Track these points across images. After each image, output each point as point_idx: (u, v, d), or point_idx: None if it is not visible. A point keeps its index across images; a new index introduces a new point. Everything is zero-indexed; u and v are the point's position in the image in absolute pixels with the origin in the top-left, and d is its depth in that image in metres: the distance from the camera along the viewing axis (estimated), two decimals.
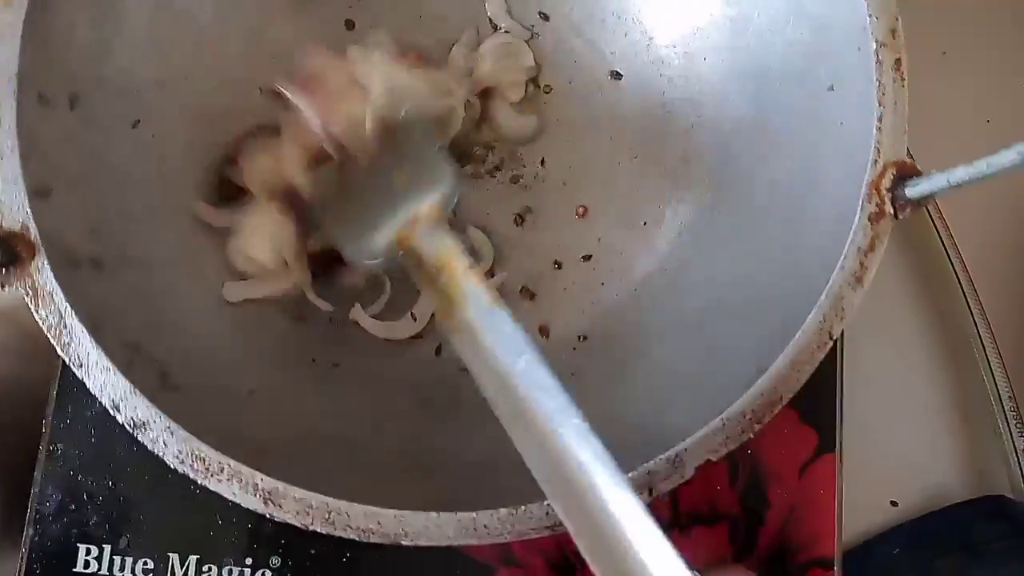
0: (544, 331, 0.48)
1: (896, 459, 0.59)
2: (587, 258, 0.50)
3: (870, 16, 0.38)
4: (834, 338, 0.37)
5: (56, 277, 0.36)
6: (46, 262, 0.36)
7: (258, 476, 0.35)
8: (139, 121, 0.44)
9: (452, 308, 0.38)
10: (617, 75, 0.51)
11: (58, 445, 0.46)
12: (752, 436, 0.36)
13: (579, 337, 0.47)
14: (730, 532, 0.48)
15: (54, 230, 0.38)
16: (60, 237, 0.38)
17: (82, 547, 0.46)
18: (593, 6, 0.51)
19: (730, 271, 0.44)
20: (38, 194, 0.37)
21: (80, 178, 0.40)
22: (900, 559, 0.56)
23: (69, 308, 0.36)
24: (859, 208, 0.37)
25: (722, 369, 0.39)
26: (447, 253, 0.39)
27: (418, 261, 0.40)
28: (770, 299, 0.41)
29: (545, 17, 0.52)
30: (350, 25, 0.51)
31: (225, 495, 0.35)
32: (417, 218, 0.41)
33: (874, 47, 0.38)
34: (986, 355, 0.57)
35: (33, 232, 0.37)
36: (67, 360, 0.36)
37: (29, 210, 0.37)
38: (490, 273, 0.49)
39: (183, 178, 0.45)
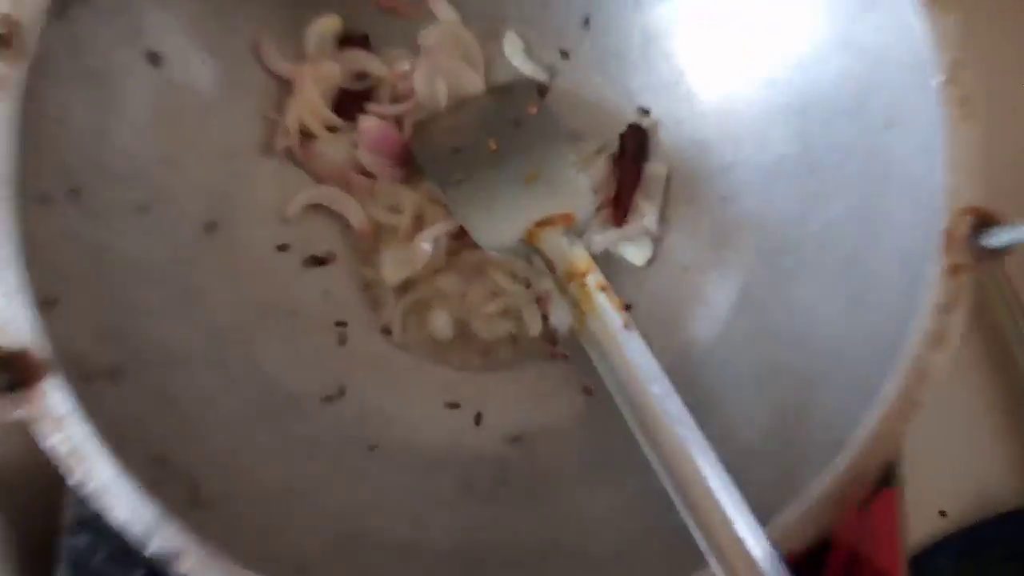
0: (588, 391, 0.43)
1: (943, 468, 0.55)
2: (627, 308, 0.46)
3: (932, 50, 0.34)
4: (920, 406, 0.33)
5: (70, 397, 0.32)
6: (57, 382, 0.32)
7: None
8: (146, 205, 0.39)
9: (584, 319, 0.38)
10: (645, 112, 0.46)
11: (78, 534, 0.42)
12: (840, 522, 0.32)
13: None
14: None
15: (63, 343, 0.33)
16: (71, 350, 0.33)
17: None
18: (617, 41, 0.46)
19: (786, 325, 0.39)
20: (44, 304, 0.33)
21: (88, 279, 0.36)
22: (953, 571, 0.53)
23: (87, 432, 0.32)
24: (933, 260, 0.33)
25: (794, 439, 0.35)
26: (580, 264, 0.40)
27: (549, 264, 0.41)
28: (838, 358, 0.36)
29: (565, 55, 0.47)
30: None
31: None
32: (550, 221, 0.41)
33: (937, 83, 0.34)
34: None
35: (40, 349, 0.32)
36: (85, 492, 0.31)
37: (35, 325, 0.32)
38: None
39: (199, 260, 0.41)
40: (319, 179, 0.46)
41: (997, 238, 0.33)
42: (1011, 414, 0.55)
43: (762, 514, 0.33)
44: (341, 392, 0.42)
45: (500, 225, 0.42)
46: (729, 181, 0.44)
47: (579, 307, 0.38)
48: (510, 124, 0.45)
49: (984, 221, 0.33)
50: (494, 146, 0.44)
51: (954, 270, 0.33)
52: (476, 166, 0.44)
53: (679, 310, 0.44)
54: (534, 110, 0.45)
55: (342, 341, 0.44)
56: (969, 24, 0.34)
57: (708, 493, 0.33)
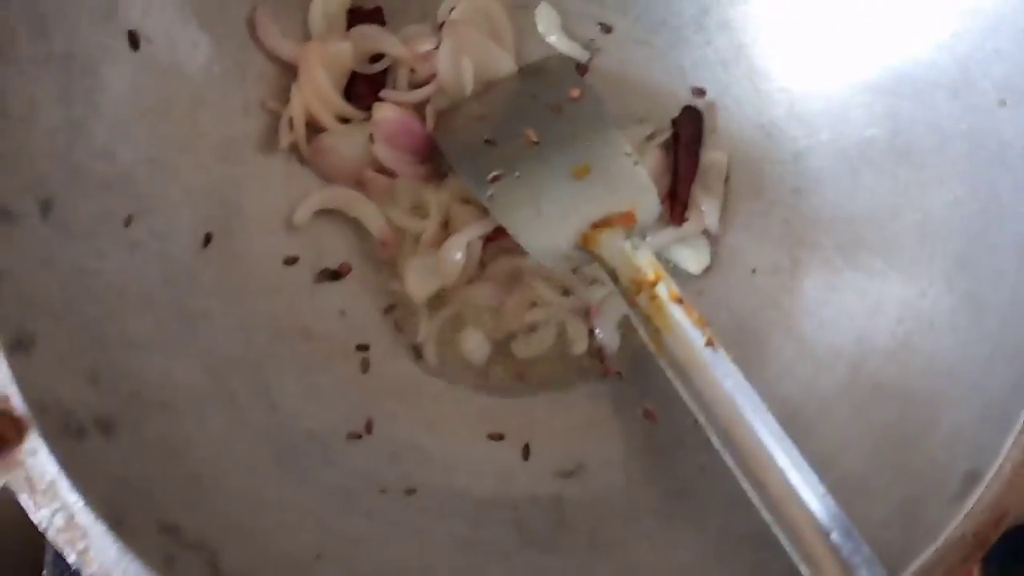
0: (650, 415, 0.39)
1: None
2: None
3: None
4: None
5: (57, 458, 0.27)
6: (41, 441, 0.27)
7: None
8: (131, 217, 0.34)
9: (660, 338, 0.34)
10: (700, 92, 0.42)
11: None
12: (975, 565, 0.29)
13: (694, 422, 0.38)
14: None
15: (44, 392, 0.28)
16: (54, 399, 0.28)
17: None
18: (665, 11, 0.41)
19: (882, 335, 0.35)
20: (17, 347, 0.28)
21: (68, 311, 0.30)
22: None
23: (79, 500, 0.27)
24: None
25: (911, 470, 0.31)
26: (648, 272, 0.35)
27: (611, 273, 0.36)
28: (952, 376, 0.32)
29: (607, 29, 0.43)
30: None
31: None
32: (608, 221, 0.37)
33: None
34: None
35: (17, 403, 0.27)
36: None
37: (9, 373, 0.27)
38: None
39: (197, 280, 0.36)
40: (330, 179, 0.41)
41: None
42: None
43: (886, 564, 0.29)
44: (368, 427, 0.37)
45: (551, 228, 0.37)
46: (802, 170, 0.39)
47: (653, 323, 0.34)
48: (549, 110, 0.40)
49: None
50: (534, 137, 0.39)
51: None
52: (515, 160, 0.38)
53: (748, 322, 0.40)
54: (576, 93, 0.40)
55: (365, 368, 0.39)
56: None
57: (823, 540, 0.29)
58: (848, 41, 0.37)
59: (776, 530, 0.30)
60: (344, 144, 0.40)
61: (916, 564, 0.29)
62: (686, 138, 0.41)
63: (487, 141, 0.39)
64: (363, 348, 0.40)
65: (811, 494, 0.30)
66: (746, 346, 0.39)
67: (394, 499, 0.36)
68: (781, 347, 0.39)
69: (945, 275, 0.34)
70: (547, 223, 0.37)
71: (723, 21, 0.40)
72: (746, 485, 0.31)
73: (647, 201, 0.37)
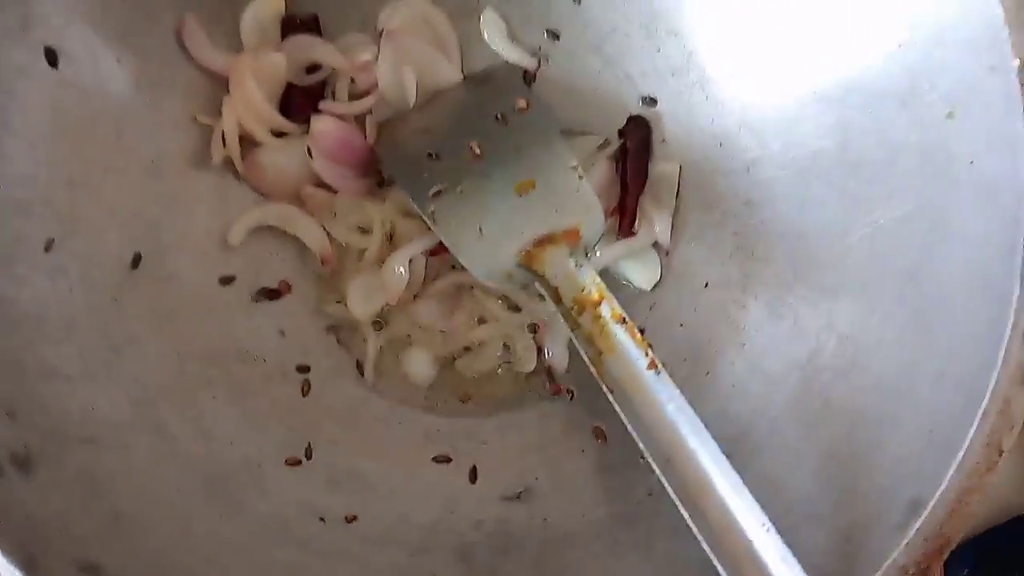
0: (600, 435, 0.39)
1: None
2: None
3: (1006, 27, 0.30)
4: (1003, 454, 0.29)
5: None
6: None
7: None
8: (53, 240, 0.33)
9: (602, 360, 0.34)
10: (651, 101, 0.42)
11: None
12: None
13: None
14: None
15: None
16: None
17: None
18: (614, 18, 0.41)
19: (832, 353, 0.35)
20: None
21: None
22: None
23: None
24: (1017, 279, 0.30)
25: (858, 496, 0.31)
26: (591, 291, 0.35)
27: (553, 292, 0.35)
28: (900, 395, 0.32)
29: (555, 36, 0.42)
30: None
31: None
32: (552, 238, 0.36)
33: (1015, 67, 0.30)
34: None
35: None
36: None
37: None
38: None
39: (124, 304, 0.35)
40: (267, 195, 0.40)
41: None
42: None
43: None
44: (308, 453, 0.37)
45: (493, 247, 0.37)
46: (754, 182, 0.39)
47: (595, 344, 0.34)
48: (494, 121, 0.39)
49: None
50: (478, 150, 0.38)
51: None
52: (459, 174, 0.38)
53: (700, 335, 0.40)
54: (523, 103, 0.40)
55: (305, 390, 0.39)
56: None
57: (763, 571, 0.29)
58: (798, 49, 0.37)
59: (715, 559, 0.30)
60: (281, 159, 0.40)
61: None
62: (633, 148, 0.41)
63: (430, 155, 0.39)
64: (303, 369, 0.39)
65: (752, 523, 0.30)
66: (698, 361, 0.39)
67: (333, 527, 0.36)
68: (733, 362, 0.39)
69: (894, 292, 0.34)
70: (489, 242, 0.37)
71: (672, 28, 0.40)
72: (686, 513, 0.31)
73: (592, 218, 0.37)
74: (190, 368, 0.36)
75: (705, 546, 0.30)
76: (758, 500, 0.33)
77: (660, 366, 0.33)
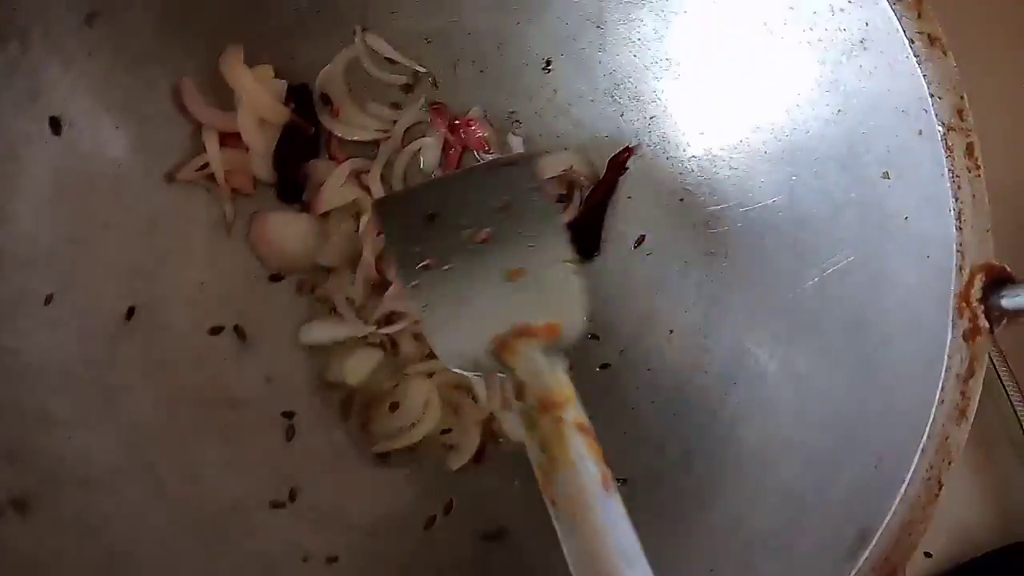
0: None
1: None
2: (604, 367, 0.44)
3: (931, 96, 0.33)
4: (943, 487, 0.32)
5: None
6: None
7: None
8: (53, 295, 0.35)
9: (552, 469, 0.31)
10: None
11: None
12: None
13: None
14: None
15: None
16: None
17: None
18: (580, 85, 0.44)
19: (789, 396, 0.37)
20: None
21: None
22: None
23: None
24: (950, 325, 0.32)
25: (810, 527, 0.33)
26: (558, 392, 0.32)
27: (519, 387, 0.33)
28: (849, 433, 0.35)
29: (527, 98, 0.45)
30: None
31: None
32: (529, 331, 0.34)
33: (940, 132, 0.33)
34: (1009, 398, 0.54)
35: None
36: None
37: None
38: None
39: (119, 354, 0.37)
40: (269, 266, 0.43)
41: (1016, 299, 0.32)
42: (990, 453, 0.55)
43: None
44: (292, 496, 0.39)
45: (466, 332, 0.35)
46: (713, 235, 0.42)
47: (550, 451, 0.31)
48: (498, 208, 0.38)
49: (998, 280, 0.33)
50: (484, 235, 0.37)
51: (971, 334, 0.32)
52: (452, 252, 0.37)
53: (667, 381, 0.42)
54: (539, 194, 0.38)
55: (290, 435, 0.41)
56: (961, 64, 0.34)
57: None
58: (748, 115, 0.40)
59: None
60: (289, 234, 0.42)
61: None
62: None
63: (428, 227, 0.38)
64: (288, 415, 0.41)
65: None
66: (666, 403, 0.42)
67: (316, 567, 0.37)
68: (699, 404, 0.41)
69: (842, 337, 0.37)
70: (465, 325, 0.36)
71: (634, 94, 0.43)
72: None
73: (575, 317, 0.36)
74: (180, 414, 0.38)
75: None
76: (722, 538, 0.36)
77: (613, 486, 0.31)
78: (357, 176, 0.44)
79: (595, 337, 0.44)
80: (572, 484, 0.30)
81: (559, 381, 0.33)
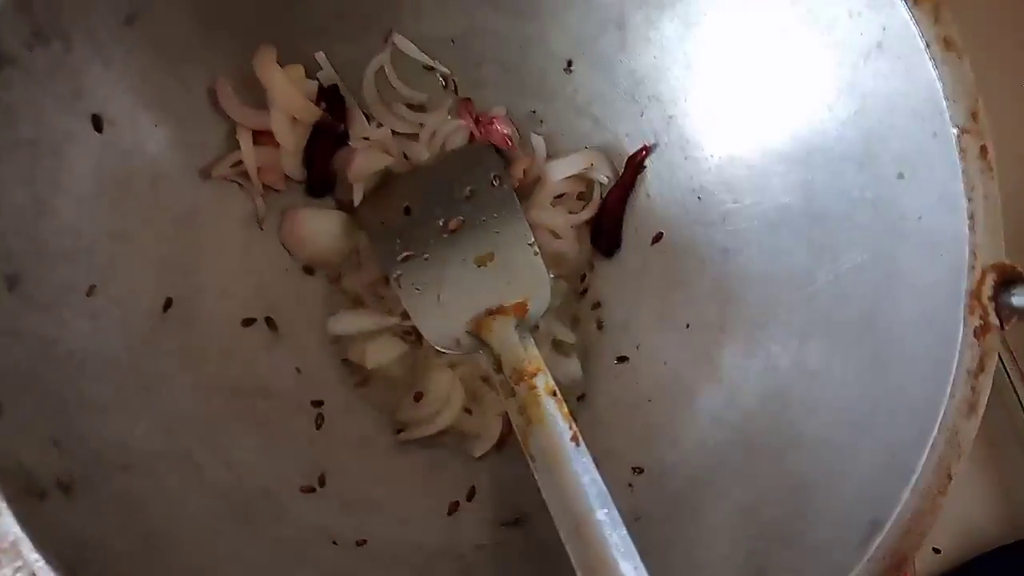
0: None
1: None
2: (622, 360, 0.45)
3: (946, 99, 0.34)
4: (952, 479, 0.33)
5: (20, 519, 0.30)
6: (4, 503, 0.30)
7: None
8: (94, 286, 0.37)
9: (530, 429, 0.36)
10: (646, 149, 0.45)
11: None
12: None
13: (633, 469, 0.42)
14: None
15: (9, 456, 0.31)
16: (18, 463, 0.31)
17: None
18: (601, 85, 0.45)
19: (802, 391, 0.39)
20: None
21: (31, 378, 0.33)
22: None
23: (39, 559, 0.29)
24: (961, 323, 0.33)
25: (822, 518, 0.35)
26: (530, 362, 0.38)
27: (496, 361, 0.38)
28: (860, 427, 0.36)
29: (549, 99, 0.46)
30: None
31: None
32: (501, 309, 0.40)
33: (954, 134, 0.34)
34: (1017, 396, 0.54)
35: None
36: None
37: None
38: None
39: (156, 344, 0.39)
40: (298, 256, 0.44)
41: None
42: (999, 450, 0.56)
43: None
44: (321, 481, 0.40)
45: (448, 314, 0.40)
46: (729, 232, 0.43)
47: (526, 413, 0.36)
48: (465, 197, 0.43)
49: (1009, 279, 0.34)
50: (453, 224, 0.42)
51: (981, 331, 0.33)
52: (427, 243, 0.42)
53: (682, 373, 0.43)
54: (500, 181, 0.43)
55: (319, 424, 0.42)
56: (976, 67, 0.35)
57: None
58: (766, 115, 0.41)
59: None
60: (319, 230, 0.43)
61: None
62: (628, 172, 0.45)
63: (404, 222, 0.43)
64: (317, 404, 0.43)
65: None
66: (681, 395, 0.43)
67: (345, 550, 0.39)
68: (713, 397, 0.42)
69: (855, 333, 0.38)
70: (445, 308, 0.41)
71: (654, 94, 0.44)
72: None
73: (540, 294, 0.41)
74: (215, 403, 0.39)
75: None
76: (735, 527, 0.37)
77: (581, 440, 0.36)
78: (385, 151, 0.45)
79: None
80: (547, 439, 0.35)
81: (531, 352, 0.38)
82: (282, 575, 0.36)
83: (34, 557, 0.29)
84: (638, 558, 0.33)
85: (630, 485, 0.41)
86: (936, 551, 0.55)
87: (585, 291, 0.47)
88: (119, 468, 0.35)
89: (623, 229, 0.46)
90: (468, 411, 0.44)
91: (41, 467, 0.32)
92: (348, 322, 0.43)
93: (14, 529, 0.30)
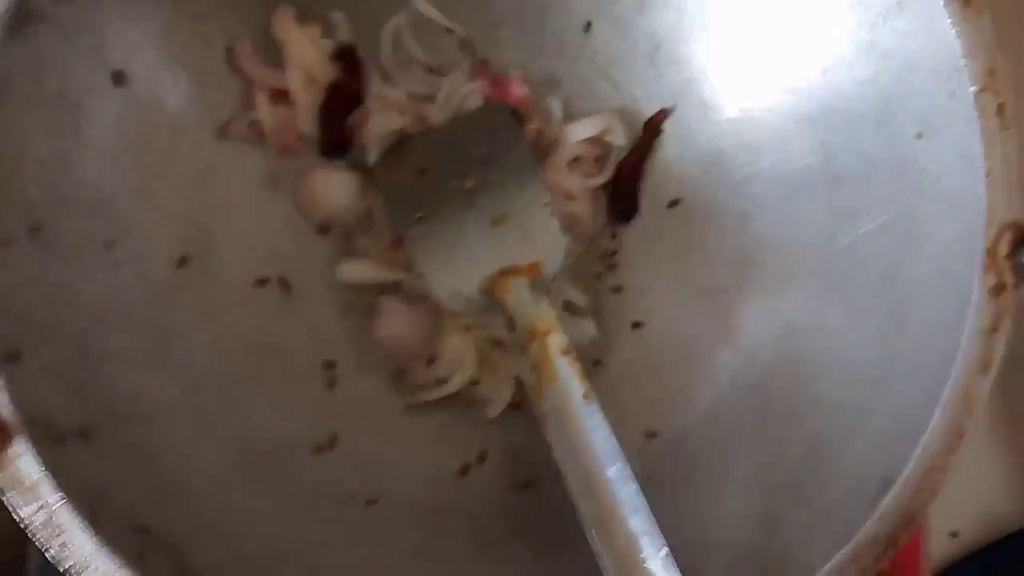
0: None
1: (952, 489, 0.56)
2: (637, 326, 0.46)
3: (964, 57, 0.34)
4: (964, 436, 0.33)
5: (41, 461, 0.31)
6: (27, 445, 0.31)
7: None
8: (113, 240, 0.38)
9: (542, 387, 0.37)
10: (663, 113, 0.46)
11: None
12: (887, 564, 0.32)
13: (647, 435, 0.43)
14: None
15: (30, 401, 0.32)
16: (38, 408, 0.32)
17: None
18: (620, 48, 0.46)
19: (821, 351, 0.39)
20: (6, 360, 0.32)
21: (51, 327, 0.34)
22: None
23: (61, 500, 0.31)
24: (976, 281, 0.34)
25: (835, 476, 0.35)
26: (543, 321, 0.39)
27: (510, 320, 0.39)
28: (876, 385, 0.36)
29: (570, 60, 0.47)
30: None
31: None
32: (516, 270, 0.41)
33: (972, 91, 0.34)
34: None
35: (6, 410, 0.31)
36: (64, 568, 0.30)
37: None
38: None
39: (172, 298, 0.40)
40: (307, 213, 0.45)
41: None
42: (1018, 432, 0.56)
43: (799, 564, 0.33)
44: (333, 441, 0.42)
45: (460, 273, 0.41)
46: (748, 196, 0.44)
47: (538, 372, 0.37)
48: (482, 157, 0.43)
49: None
50: (469, 184, 0.43)
51: (996, 290, 0.34)
52: (442, 203, 0.42)
53: (701, 337, 0.44)
54: (517, 143, 0.44)
55: (331, 384, 0.43)
56: (997, 25, 0.35)
57: None
58: (784, 76, 0.42)
59: None
60: (333, 189, 0.44)
61: (831, 564, 0.33)
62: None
63: (420, 182, 0.43)
64: (330, 365, 0.44)
65: (652, 550, 0.33)
66: (699, 358, 0.44)
67: (356, 508, 0.40)
68: (731, 358, 0.43)
69: (873, 293, 0.39)
70: (459, 268, 0.41)
71: (672, 57, 0.45)
72: (595, 535, 0.34)
73: (555, 253, 0.42)
74: (228, 358, 0.41)
75: (609, 568, 0.33)
76: (749, 487, 0.38)
77: (593, 398, 0.37)
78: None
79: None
80: (559, 397, 0.36)
81: (544, 311, 0.39)
82: (292, 529, 0.38)
83: (54, 498, 0.31)
84: (649, 513, 0.34)
85: (643, 449, 0.42)
86: (954, 535, 0.55)
87: (614, 259, 0.47)
88: (134, 419, 0.36)
89: (640, 193, 0.46)
90: (480, 376, 0.45)
91: (62, 413, 0.33)
92: (357, 270, 0.44)
93: (35, 471, 0.31)
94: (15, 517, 0.31)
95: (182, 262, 0.41)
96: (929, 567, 0.54)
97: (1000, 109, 0.34)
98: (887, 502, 0.33)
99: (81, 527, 0.31)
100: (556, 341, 0.38)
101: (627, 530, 0.33)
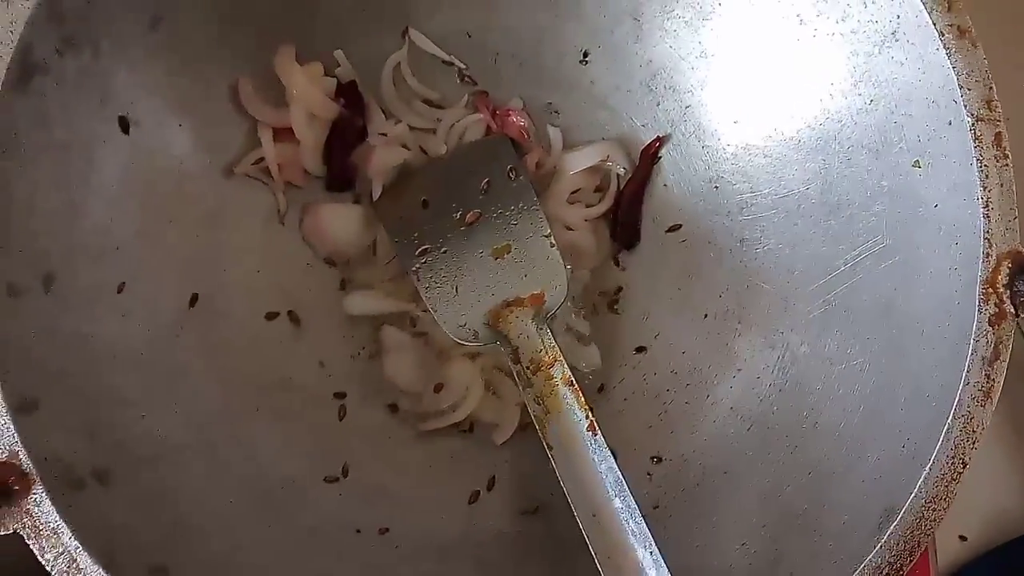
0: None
1: (961, 493, 0.57)
2: (640, 350, 0.47)
3: (961, 87, 0.35)
4: (967, 465, 0.34)
5: (59, 508, 0.32)
6: (44, 492, 0.32)
7: None
8: (124, 284, 0.39)
9: (548, 419, 0.38)
10: (659, 140, 0.47)
11: None
12: None
13: (653, 459, 0.44)
14: None
15: (47, 448, 0.33)
16: (56, 455, 0.33)
17: None
18: (617, 76, 0.46)
19: (821, 378, 0.40)
20: (22, 409, 0.33)
21: (66, 373, 0.35)
22: None
23: (79, 546, 0.32)
24: (976, 310, 0.34)
25: (838, 505, 0.36)
26: (547, 354, 0.40)
27: (514, 352, 0.40)
28: (876, 415, 0.37)
29: (567, 89, 0.47)
30: None
31: None
32: (519, 301, 0.41)
33: (969, 122, 0.35)
34: None
35: (24, 459, 0.32)
36: None
37: (15, 433, 0.32)
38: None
39: (182, 338, 0.41)
40: (316, 248, 0.46)
41: None
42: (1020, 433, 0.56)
43: None
44: (344, 472, 0.42)
45: (465, 306, 0.42)
46: (747, 222, 0.44)
47: (543, 404, 0.38)
48: (482, 189, 0.44)
49: None
50: (471, 218, 0.43)
51: (996, 319, 0.34)
52: (444, 236, 0.43)
53: (701, 363, 0.45)
54: (514, 174, 0.45)
55: (341, 415, 0.44)
56: (991, 55, 0.36)
57: None
58: (782, 105, 0.42)
59: None
60: (339, 224, 0.45)
61: None
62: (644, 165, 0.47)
63: (422, 216, 0.44)
64: (340, 396, 0.45)
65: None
66: (699, 385, 0.45)
67: (367, 539, 0.41)
68: (731, 387, 0.44)
69: (872, 321, 0.39)
70: (462, 301, 0.42)
71: (670, 85, 0.45)
72: (601, 565, 0.35)
73: (557, 285, 0.43)
74: (240, 396, 0.42)
75: None
76: (752, 515, 0.39)
77: (598, 429, 0.38)
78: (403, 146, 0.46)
79: None
80: (564, 428, 0.38)
81: (548, 344, 0.40)
82: (306, 563, 0.38)
83: (73, 543, 0.32)
84: (654, 544, 0.35)
85: (648, 474, 0.43)
86: (963, 539, 0.55)
87: (617, 288, 0.48)
88: (147, 460, 0.37)
89: (641, 221, 0.47)
90: (487, 401, 0.46)
91: (79, 458, 0.34)
92: (364, 303, 0.45)
93: (54, 517, 0.32)
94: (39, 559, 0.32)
95: (192, 302, 0.42)
96: (938, 570, 0.54)
97: (997, 139, 0.35)
98: (890, 531, 0.33)
99: (99, 570, 0.32)
100: (560, 372, 0.39)
101: (634, 562, 0.34)
